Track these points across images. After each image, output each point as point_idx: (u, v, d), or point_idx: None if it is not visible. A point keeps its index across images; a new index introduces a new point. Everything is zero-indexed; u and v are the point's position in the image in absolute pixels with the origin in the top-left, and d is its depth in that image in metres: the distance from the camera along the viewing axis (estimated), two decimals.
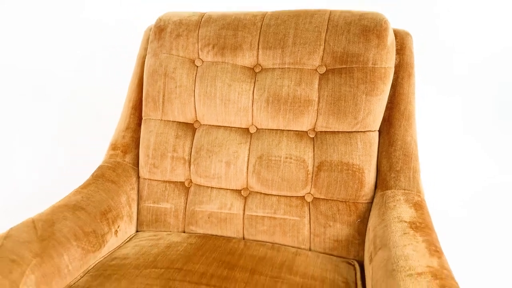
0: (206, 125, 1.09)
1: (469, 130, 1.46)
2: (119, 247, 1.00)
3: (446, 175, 1.52)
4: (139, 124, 1.15)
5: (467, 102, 1.41)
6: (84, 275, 0.87)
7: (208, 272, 0.84)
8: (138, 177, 1.12)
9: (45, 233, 0.85)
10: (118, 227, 1.02)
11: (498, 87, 1.36)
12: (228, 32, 1.06)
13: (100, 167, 1.09)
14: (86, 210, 0.95)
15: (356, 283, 0.88)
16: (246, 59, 1.05)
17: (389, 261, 0.75)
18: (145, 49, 1.17)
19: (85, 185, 1.03)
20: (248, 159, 1.04)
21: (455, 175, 1.53)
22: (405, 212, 0.87)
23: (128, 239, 1.05)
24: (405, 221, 0.85)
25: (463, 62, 1.36)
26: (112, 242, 0.99)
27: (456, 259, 0.98)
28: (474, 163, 1.54)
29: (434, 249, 0.77)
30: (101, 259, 0.94)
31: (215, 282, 0.81)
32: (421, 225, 0.84)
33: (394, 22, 1.04)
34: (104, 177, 1.06)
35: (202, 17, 1.10)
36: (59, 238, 0.86)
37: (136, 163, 1.13)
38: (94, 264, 0.92)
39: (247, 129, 1.06)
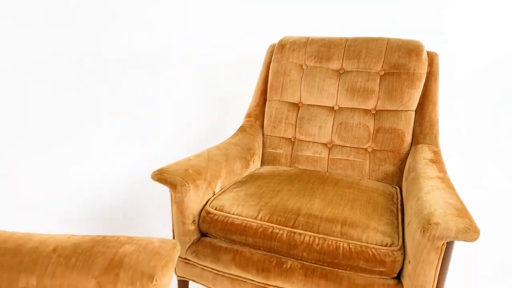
0: (306, 104, 1.79)
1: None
2: (255, 171, 1.70)
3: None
4: (264, 103, 1.86)
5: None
6: (243, 178, 1.58)
7: (310, 181, 1.52)
8: (263, 134, 1.82)
9: (225, 152, 1.57)
10: (253, 160, 1.73)
11: (500, 92, 1.95)
12: (324, 48, 1.77)
13: (242, 126, 1.81)
14: (239, 146, 1.67)
15: (396, 194, 1.53)
16: (335, 65, 1.75)
17: (416, 175, 1.40)
18: (269, 57, 1.88)
19: (236, 134, 1.75)
20: (333, 124, 1.72)
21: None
22: (428, 154, 1.52)
23: (258, 168, 1.75)
24: (427, 159, 1.50)
25: (466, 67, 1.94)
26: (250, 168, 1.70)
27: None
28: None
29: (442, 170, 1.42)
30: (248, 173, 1.65)
31: (316, 184, 1.49)
32: (436, 161, 1.48)
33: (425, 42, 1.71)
34: (245, 131, 1.78)
35: (308, 39, 1.81)
36: (231, 156, 1.57)
37: (262, 126, 1.84)
38: (245, 175, 1.63)
39: (332, 107, 1.75)
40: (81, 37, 2.18)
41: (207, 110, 2.26)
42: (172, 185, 1.30)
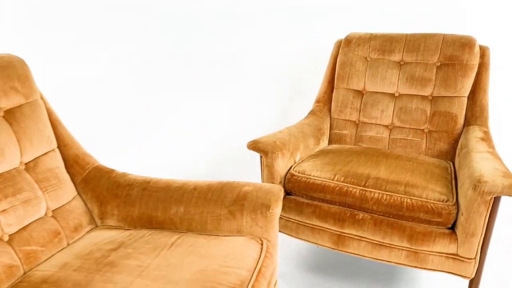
0: (370, 91, 2.07)
1: None
2: (324, 147, 2.00)
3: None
4: (331, 90, 2.15)
5: None
6: (315, 153, 1.89)
7: (374, 155, 1.80)
8: (331, 117, 2.12)
9: (301, 130, 1.88)
10: (323, 139, 2.02)
11: None
12: (387, 43, 2.04)
13: (312, 110, 2.11)
14: (312, 126, 1.97)
15: (450, 168, 1.78)
16: (396, 57, 2.02)
17: (467, 150, 1.66)
18: (336, 51, 2.17)
19: (307, 117, 2.06)
20: (394, 109, 1.99)
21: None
22: (478, 134, 1.77)
23: (327, 146, 2.05)
24: (478, 137, 1.74)
25: None
26: (320, 145, 2.00)
27: None
28: None
29: (491, 146, 1.66)
30: (318, 149, 1.95)
31: (380, 158, 1.77)
32: (486, 139, 1.72)
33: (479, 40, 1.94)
34: (315, 114, 2.08)
35: (371, 35, 2.09)
36: (306, 133, 1.88)
37: (329, 110, 2.13)
38: (318, 150, 1.93)
39: (393, 94, 2.02)
40: (177, 40, 2.56)
41: (280, 95, 2.59)
42: (264, 152, 1.62)
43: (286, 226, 1.67)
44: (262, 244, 1.16)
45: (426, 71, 1.94)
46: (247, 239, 1.17)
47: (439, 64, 1.93)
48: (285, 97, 2.57)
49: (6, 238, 1.07)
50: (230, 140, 2.68)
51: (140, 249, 1.10)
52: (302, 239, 1.65)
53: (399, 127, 1.98)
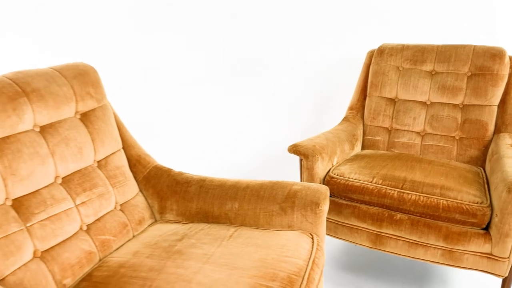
0: (402, 99, 2.16)
1: None
2: (358, 152, 2.10)
3: None
4: (364, 98, 2.25)
5: None
6: (351, 157, 1.99)
7: (408, 160, 1.89)
8: (363, 123, 2.22)
9: (337, 135, 1.98)
10: (357, 144, 2.12)
11: None
12: (418, 53, 2.13)
13: (345, 117, 2.22)
14: (346, 132, 2.07)
15: (481, 173, 1.86)
16: (428, 67, 2.11)
17: (499, 156, 1.74)
18: (369, 61, 2.28)
19: (341, 123, 2.16)
20: (425, 116, 2.08)
21: None
22: (509, 141, 1.84)
23: (361, 151, 2.15)
24: (509, 144, 1.82)
25: None
26: (355, 150, 2.10)
27: None
28: None
29: None
30: (353, 154, 2.05)
31: (414, 163, 1.86)
32: None
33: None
34: (349, 120, 2.18)
35: (403, 46, 2.19)
36: (342, 138, 1.98)
37: (362, 117, 2.23)
38: (353, 155, 2.03)
39: (425, 102, 2.11)
40: (225, 49, 2.70)
41: (314, 102, 2.71)
42: (305, 155, 1.72)
43: (325, 237, 1.77)
44: (312, 238, 1.26)
45: (457, 81, 2.03)
46: (299, 233, 1.27)
47: (469, 74, 2.02)
48: (318, 104, 2.68)
49: (84, 227, 1.20)
50: (268, 143, 2.80)
51: (203, 240, 1.22)
52: (341, 239, 1.75)
53: (431, 133, 2.06)
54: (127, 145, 1.47)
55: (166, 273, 1.05)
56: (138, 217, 1.36)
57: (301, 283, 1.07)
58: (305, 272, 1.10)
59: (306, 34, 2.60)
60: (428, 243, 1.57)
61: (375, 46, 2.35)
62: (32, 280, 1.01)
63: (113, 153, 1.39)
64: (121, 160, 1.41)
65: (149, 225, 1.40)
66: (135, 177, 1.45)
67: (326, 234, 1.78)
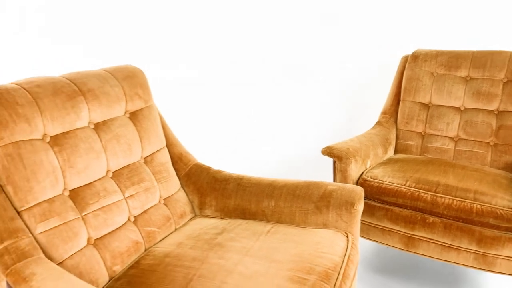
0: (435, 105, 2.17)
1: None
2: (391, 156, 2.12)
3: None
4: (397, 103, 2.27)
5: None
6: (384, 161, 2.01)
7: (441, 165, 1.90)
8: (397, 128, 2.24)
9: (370, 139, 2.01)
10: (390, 148, 2.15)
11: None
12: (453, 59, 2.14)
13: (379, 121, 2.24)
14: (379, 136, 2.10)
15: None
16: (462, 73, 2.12)
17: None
18: (403, 66, 2.30)
19: (374, 127, 2.19)
20: (459, 122, 2.09)
21: None
22: None
23: (393, 155, 2.17)
24: None
25: None
26: (388, 154, 2.12)
27: None
28: None
29: None
30: (386, 158, 2.07)
31: (447, 167, 1.86)
32: None
33: None
34: (382, 125, 2.21)
35: (438, 52, 2.20)
36: (375, 142, 2.01)
37: (395, 121, 2.25)
38: (385, 158, 2.05)
39: (459, 107, 2.11)
40: (263, 52, 2.77)
41: (347, 108, 2.74)
42: (339, 158, 1.77)
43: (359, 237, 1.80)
44: (347, 237, 1.31)
45: (493, 87, 2.03)
46: (334, 231, 1.32)
47: (505, 80, 2.02)
48: (351, 109, 2.72)
49: (132, 219, 1.28)
50: (301, 147, 2.85)
51: (241, 234, 1.28)
52: (373, 240, 1.78)
53: (465, 139, 2.07)
54: (170, 143, 1.55)
55: (209, 263, 1.12)
56: (180, 211, 1.44)
57: (337, 277, 1.11)
58: (340, 268, 1.15)
59: (342, 41, 2.64)
60: (461, 247, 1.59)
61: (408, 52, 2.37)
62: (87, 265, 1.09)
63: (158, 150, 1.47)
64: (165, 157, 1.49)
65: (189, 219, 1.48)
66: (177, 174, 1.53)
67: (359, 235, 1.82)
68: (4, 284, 0.98)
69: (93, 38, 2.07)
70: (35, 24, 1.89)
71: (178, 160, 1.54)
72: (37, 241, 1.02)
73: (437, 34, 2.45)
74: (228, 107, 2.85)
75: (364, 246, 2.18)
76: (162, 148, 1.50)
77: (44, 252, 1.02)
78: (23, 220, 1.02)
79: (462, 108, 2.10)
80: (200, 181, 1.52)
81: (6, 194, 1.02)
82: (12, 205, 1.02)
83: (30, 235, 1.01)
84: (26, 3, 1.82)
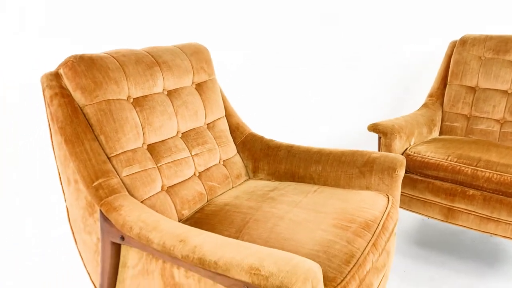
0: (482, 88, 2.22)
1: None
2: (436, 137, 2.20)
3: None
4: (444, 86, 2.34)
5: None
6: (428, 140, 2.10)
7: (485, 145, 1.97)
8: (443, 110, 2.31)
9: (416, 119, 2.10)
10: (434, 129, 2.23)
11: None
12: (502, 44, 2.18)
13: (425, 103, 2.32)
14: (425, 117, 2.18)
15: None
16: (511, 57, 2.16)
17: None
18: (451, 50, 2.36)
19: (421, 109, 2.27)
20: (506, 104, 2.13)
21: None
22: None
23: (438, 136, 2.25)
24: None
25: None
26: (432, 135, 2.20)
27: None
28: None
29: None
30: (431, 137, 2.16)
31: (491, 147, 1.93)
32: None
33: None
34: (428, 107, 2.29)
35: (487, 36, 2.25)
36: (420, 122, 2.10)
37: (441, 104, 2.32)
38: (430, 138, 2.14)
39: (506, 91, 2.16)
40: (313, 40, 2.92)
41: (392, 90, 2.84)
42: (384, 133, 1.88)
43: (399, 200, 1.92)
44: (388, 198, 1.43)
45: None
46: (376, 193, 1.45)
47: None
48: (398, 92, 2.80)
49: (197, 174, 1.47)
50: (348, 127, 2.98)
51: (291, 192, 1.44)
52: (414, 211, 1.89)
53: (510, 121, 2.11)
54: (228, 114, 1.73)
55: (263, 211, 1.29)
56: (236, 173, 1.62)
57: (376, 228, 1.25)
58: (380, 220, 1.29)
59: (394, 28, 2.73)
60: (500, 218, 1.66)
61: (455, 37, 2.43)
62: (161, 206, 1.29)
63: (219, 118, 1.66)
64: (224, 125, 1.67)
65: (244, 181, 1.66)
66: (234, 141, 1.71)
67: (400, 207, 1.93)
68: (97, 215, 1.20)
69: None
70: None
71: (235, 129, 1.73)
72: (123, 182, 1.24)
73: (485, 19, 2.48)
74: (284, 88, 3.01)
75: (405, 220, 2.28)
76: (222, 117, 1.68)
77: (128, 191, 1.23)
78: (112, 165, 1.24)
79: (510, 91, 2.15)
80: (254, 148, 1.69)
81: (99, 142, 1.24)
82: (104, 151, 1.24)
83: (118, 176, 1.23)
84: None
